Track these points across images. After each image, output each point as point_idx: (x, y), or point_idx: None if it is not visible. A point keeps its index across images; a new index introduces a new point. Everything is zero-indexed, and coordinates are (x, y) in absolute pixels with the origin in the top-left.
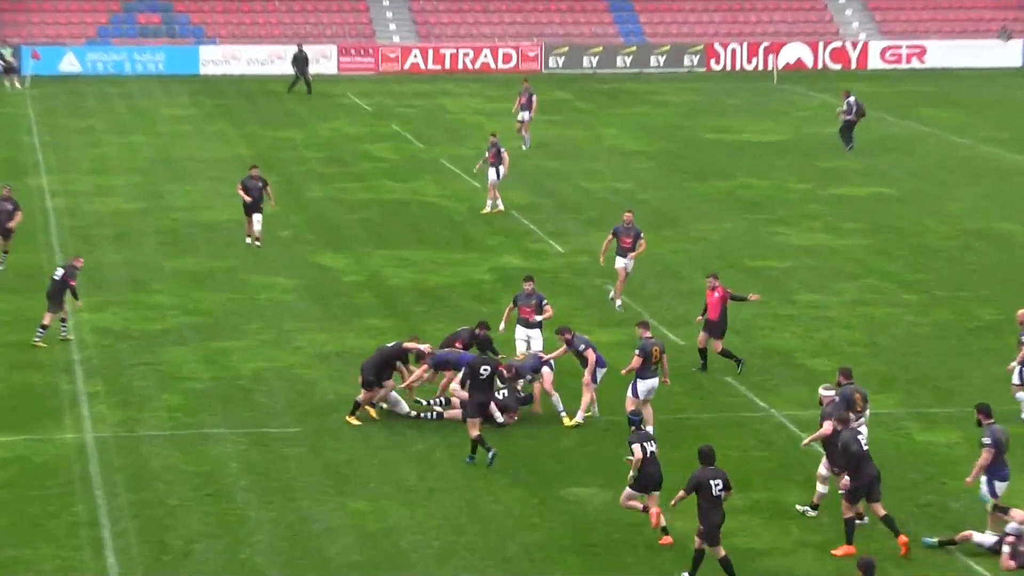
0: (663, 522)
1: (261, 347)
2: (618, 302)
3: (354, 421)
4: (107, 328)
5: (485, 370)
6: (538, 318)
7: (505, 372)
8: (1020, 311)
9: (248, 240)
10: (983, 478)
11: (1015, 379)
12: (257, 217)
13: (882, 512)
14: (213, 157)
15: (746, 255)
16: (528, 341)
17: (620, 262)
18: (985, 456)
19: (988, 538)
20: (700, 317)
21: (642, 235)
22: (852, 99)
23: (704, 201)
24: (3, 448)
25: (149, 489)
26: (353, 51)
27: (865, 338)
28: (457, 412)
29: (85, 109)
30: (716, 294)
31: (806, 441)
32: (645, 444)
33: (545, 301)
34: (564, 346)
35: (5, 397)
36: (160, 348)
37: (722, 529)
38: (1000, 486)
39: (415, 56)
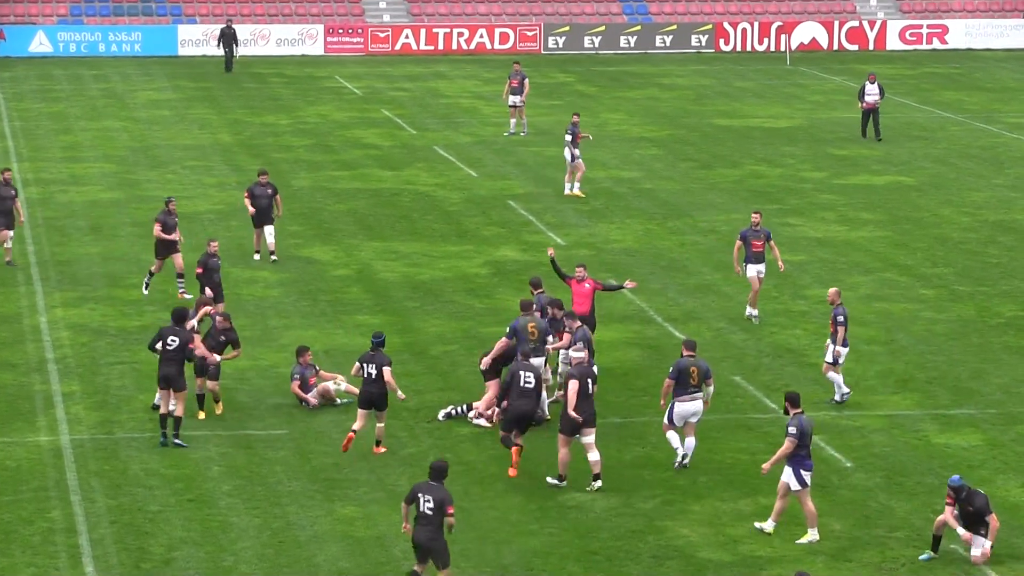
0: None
1: (244, 345)
2: (754, 312)
3: (201, 415)
4: (83, 325)
5: (173, 341)
6: (549, 347)
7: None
8: (831, 290)
9: (256, 256)
10: (788, 468)
11: (827, 358)
12: (269, 229)
13: (519, 441)
14: (193, 144)
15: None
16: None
17: (752, 269)
18: (787, 445)
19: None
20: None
21: (771, 237)
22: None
23: (712, 190)
24: None
25: (128, 494)
26: (340, 31)
27: (881, 335)
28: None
29: (57, 93)
30: (587, 286)
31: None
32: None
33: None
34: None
35: None
36: (138, 346)
37: (435, 552)
38: (806, 475)
39: (407, 36)
